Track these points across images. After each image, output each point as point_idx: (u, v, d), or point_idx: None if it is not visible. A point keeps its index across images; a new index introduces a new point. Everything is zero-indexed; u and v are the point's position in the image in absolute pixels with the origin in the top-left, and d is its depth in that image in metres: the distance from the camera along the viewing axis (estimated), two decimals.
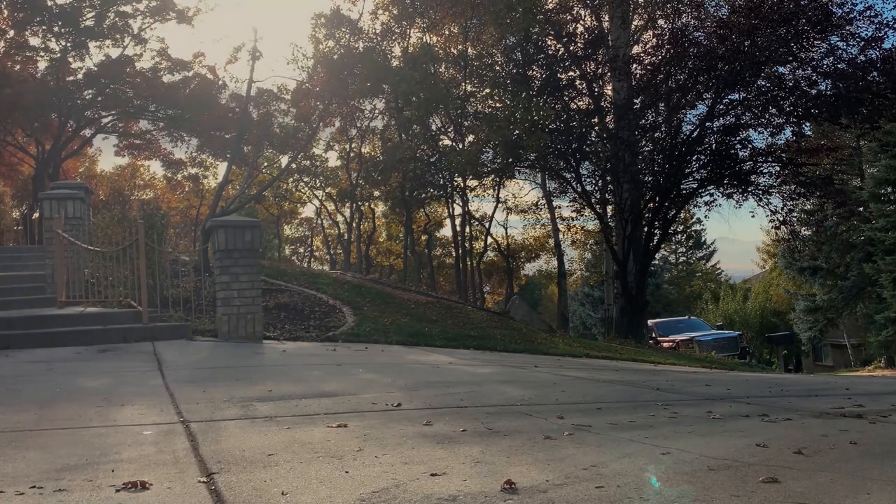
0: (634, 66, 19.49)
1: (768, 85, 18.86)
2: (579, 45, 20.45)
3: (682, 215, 33.74)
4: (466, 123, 21.95)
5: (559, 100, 20.24)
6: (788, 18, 17.34)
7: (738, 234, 36.21)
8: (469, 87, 22.34)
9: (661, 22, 20.78)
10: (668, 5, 20.19)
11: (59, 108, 21.34)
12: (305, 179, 32.45)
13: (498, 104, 19.79)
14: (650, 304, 28.07)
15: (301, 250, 44.94)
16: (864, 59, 17.86)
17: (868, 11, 17.84)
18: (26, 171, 26.77)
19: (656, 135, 19.79)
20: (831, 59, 18.14)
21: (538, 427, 4.16)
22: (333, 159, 32.46)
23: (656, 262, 36.28)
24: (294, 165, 27.54)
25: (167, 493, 2.78)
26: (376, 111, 25.77)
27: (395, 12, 22.30)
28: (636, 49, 21.26)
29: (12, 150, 25.41)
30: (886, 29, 17.78)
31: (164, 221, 12.92)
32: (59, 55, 21.18)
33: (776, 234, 21.69)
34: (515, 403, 5.11)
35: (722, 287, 46.15)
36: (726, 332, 25.40)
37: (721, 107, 19.02)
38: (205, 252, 12.81)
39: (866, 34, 17.92)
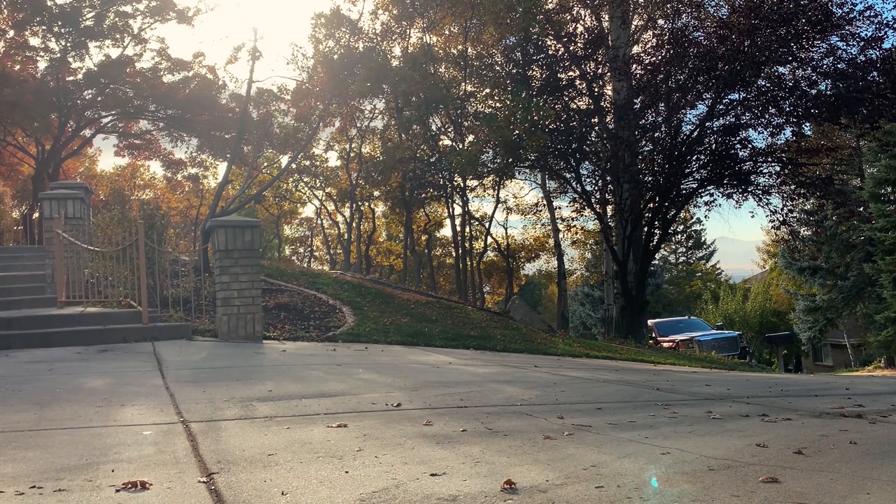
0: (634, 66, 19.49)
1: (768, 85, 18.87)
2: (579, 45, 20.46)
3: (682, 215, 33.79)
4: (466, 123, 21.94)
5: (559, 100, 20.25)
6: (788, 18, 17.34)
7: (738, 234, 36.14)
8: (469, 87, 22.33)
9: (661, 22, 20.79)
10: (668, 5, 20.19)
11: (59, 108, 21.34)
12: (305, 179, 32.46)
13: (498, 104, 19.78)
14: (650, 304, 28.07)
15: (301, 250, 44.93)
16: (864, 59, 17.87)
17: (868, 11, 17.89)
18: (26, 171, 26.77)
19: (656, 135, 19.81)
20: (831, 59, 18.17)
21: (538, 427, 4.16)
22: (333, 159, 32.53)
23: (656, 262, 36.32)
24: (294, 165, 27.52)
25: (167, 493, 2.78)
26: (376, 111, 25.79)
27: (395, 12, 22.30)
28: (636, 49, 21.27)
29: (12, 150, 25.41)
30: (886, 29, 17.83)
31: (164, 221, 12.92)
32: (59, 55, 21.18)
33: (776, 234, 21.70)
34: (515, 403, 5.11)
35: (722, 287, 46.14)
36: (726, 332, 25.38)
37: (721, 107, 19.03)
38: (205, 252, 12.82)
39: (866, 34, 17.97)
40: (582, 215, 22.19)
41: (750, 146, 19.35)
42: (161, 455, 3.37)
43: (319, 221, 39.07)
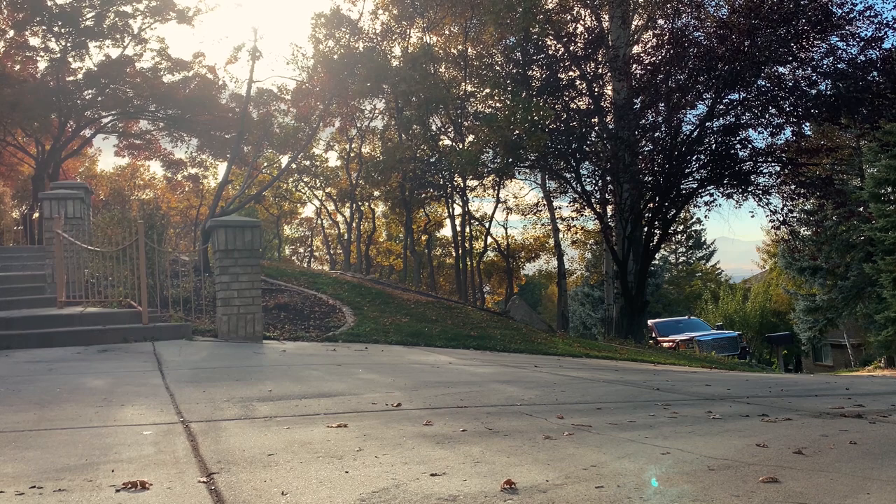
0: (634, 66, 19.49)
1: (768, 85, 18.87)
2: (579, 45, 20.46)
3: (682, 215, 33.79)
4: (466, 123, 21.95)
5: (559, 100, 20.25)
6: (788, 18, 17.35)
7: (738, 234, 36.12)
8: (469, 87, 22.34)
9: (661, 22, 20.79)
10: (668, 5, 20.19)
11: (59, 108, 21.32)
12: (305, 179, 32.47)
13: (498, 104, 19.79)
14: (650, 304, 28.07)
15: (301, 250, 44.95)
16: (864, 59, 17.87)
17: (868, 11, 17.89)
18: (26, 171, 26.76)
19: (656, 135, 19.81)
20: (831, 59, 18.17)
21: (538, 427, 4.16)
22: (333, 159, 32.52)
23: (656, 262, 36.30)
24: (294, 165, 27.54)
25: (167, 493, 2.78)
26: (376, 111, 25.82)
27: (395, 12, 22.32)
28: (636, 49, 21.27)
29: (12, 150, 25.40)
30: (886, 29, 17.82)
31: (164, 221, 12.93)
32: (59, 55, 21.17)
33: (776, 234, 21.69)
34: (515, 403, 5.11)
35: (722, 287, 46.12)
36: (726, 332, 25.37)
37: (721, 107, 19.03)
38: (205, 252, 12.82)
39: (866, 34, 17.97)
40: (582, 215, 22.20)
41: (750, 146, 19.37)
42: (161, 455, 3.37)
43: (319, 221, 39.11)
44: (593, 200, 21.02)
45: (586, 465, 3.23)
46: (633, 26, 22.28)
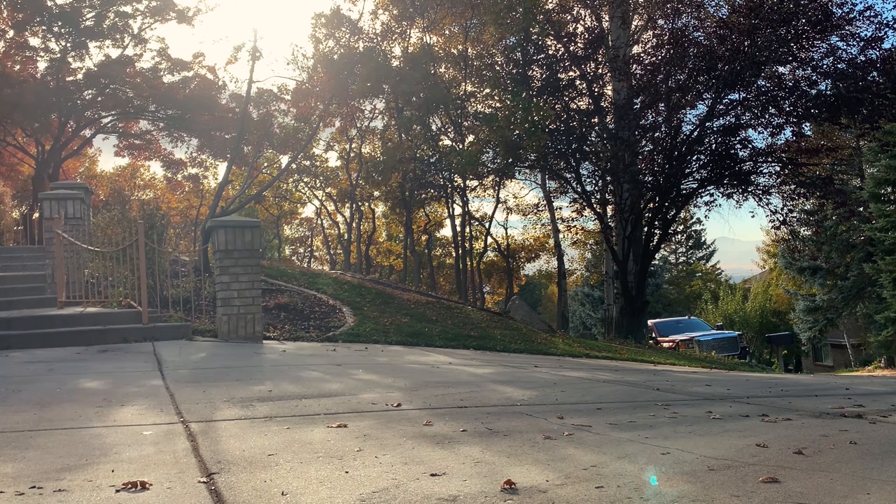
0: (634, 66, 19.49)
1: (768, 85, 18.87)
2: (579, 45, 20.46)
3: (682, 215, 33.80)
4: (466, 123, 21.95)
5: (559, 100, 20.25)
6: (788, 18, 17.35)
7: (738, 234, 36.12)
8: (469, 87, 22.35)
9: (661, 22, 20.78)
10: (668, 5, 20.19)
11: (59, 108, 21.34)
12: (305, 179, 32.49)
13: (498, 104, 19.80)
14: (650, 304, 28.06)
15: (301, 250, 44.95)
16: (864, 59, 17.87)
17: (868, 11, 17.88)
18: (26, 171, 26.77)
19: (656, 135, 19.80)
20: (831, 59, 18.17)
21: (538, 427, 4.16)
22: (333, 159, 32.56)
23: (656, 262, 36.30)
24: (294, 165, 27.55)
25: (167, 493, 2.78)
26: (376, 111, 25.83)
27: (395, 12, 22.32)
28: (636, 49, 21.27)
29: (12, 150, 25.41)
30: (886, 29, 17.82)
31: (165, 221, 12.94)
32: (59, 55, 21.19)
33: (776, 234, 21.69)
34: (515, 403, 5.11)
35: (722, 287, 46.11)
36: (726, 332, 25.37)
37: (721, 107, 19.03)
38: (205, 252, 12.82)
39: (866, 34, 17.97)
40: (582, 215, 22.19)
41: (750, 146, 19.36)
42: (161, 455, 3.37)
43: (319, 221, 39.12)
44: (593, 200, 21.02)
45: (586, 465, 3.23)
46: (633, 26, 22.28)
